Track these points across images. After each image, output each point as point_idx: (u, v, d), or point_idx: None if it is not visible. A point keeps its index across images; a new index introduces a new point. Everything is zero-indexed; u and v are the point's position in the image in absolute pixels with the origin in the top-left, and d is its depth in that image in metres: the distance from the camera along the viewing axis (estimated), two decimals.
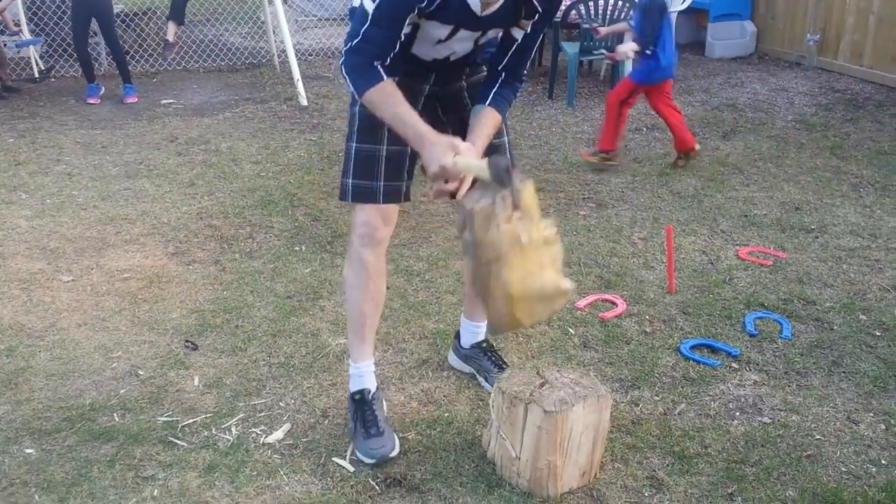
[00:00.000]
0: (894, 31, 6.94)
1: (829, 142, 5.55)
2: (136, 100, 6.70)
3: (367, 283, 2.45)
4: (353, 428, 2.51)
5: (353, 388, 2.57)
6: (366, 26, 2.12)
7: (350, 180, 2.40)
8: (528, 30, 2.29)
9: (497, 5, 2.21)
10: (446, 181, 2.12)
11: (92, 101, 6.63)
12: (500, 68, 2.35)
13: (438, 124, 2.35)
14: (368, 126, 2.37)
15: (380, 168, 2.39)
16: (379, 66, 2.16)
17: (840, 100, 6.68)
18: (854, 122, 6.01)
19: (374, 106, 2.18)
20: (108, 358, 2.99)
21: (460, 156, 2.08)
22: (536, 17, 2.25)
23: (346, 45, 2.18)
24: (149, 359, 2.99)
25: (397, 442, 2.48)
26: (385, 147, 2.39)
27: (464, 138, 2.23)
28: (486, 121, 2.29)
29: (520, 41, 2.31)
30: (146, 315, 3.29)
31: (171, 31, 7.86)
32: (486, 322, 2.83)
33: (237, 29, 9.33)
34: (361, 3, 2.15)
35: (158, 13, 8.66)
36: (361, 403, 2.53)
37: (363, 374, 2.57)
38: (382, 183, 2.39)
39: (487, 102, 2.31)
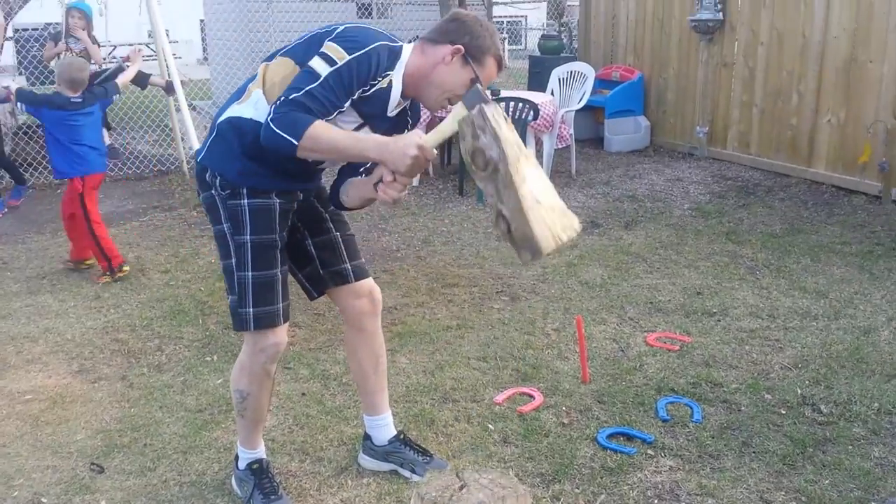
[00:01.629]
0: (776, 121, 7.46)
1: (725, 227, 5.85)
2: (18, 204, 6.73)
3: (268, 387, 2.63)
4: (247, 496, 2.66)
5: (249, 459, 2.71)
6: (313, 85, 2.18)
7: (250, 310, 2.45)
8: None
9: (399, 109, 2.43)
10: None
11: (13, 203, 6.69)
12: (360, 170, 2.50)
13: (297, 234, 2.62)
14: (262, 254, 2.44)
15: (278, 290, 2.48)
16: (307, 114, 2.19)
17: (732, 187, 7.07)
18: (746, 208, 6.37)
19: (318, 139, 2.16)
20: (9, 486, 2.83)
21: (426, 135, 2.18)
22: (405, 130, 2.49)
23: (278, 100, 2.19)
24: (52, 485, 2.83)
25: None
26: (279, 269, 2.48)
27: (327, 255, 2.63)
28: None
29: None
30: (49, 438, 3.14)
31: (105, 136, 7.83)
32: (389, 413, 2.91)
33: (144, 136, 9.29)
34: (307, 66, 2.22)
35: None
36: (260, 472, 2.68)
37: (257, 450, 2.73)
38: (282, 304, 2.50)
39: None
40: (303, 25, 9.75)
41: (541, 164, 7.28)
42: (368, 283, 2.72)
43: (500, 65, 2.37)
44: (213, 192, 2.44)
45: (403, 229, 5.94)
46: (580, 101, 7.63)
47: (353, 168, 2.53)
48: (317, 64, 2.21)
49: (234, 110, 2.40)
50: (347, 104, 2.27)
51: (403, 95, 2.39)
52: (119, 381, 3.62)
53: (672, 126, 8.77)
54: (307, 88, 2.18)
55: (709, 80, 8.19)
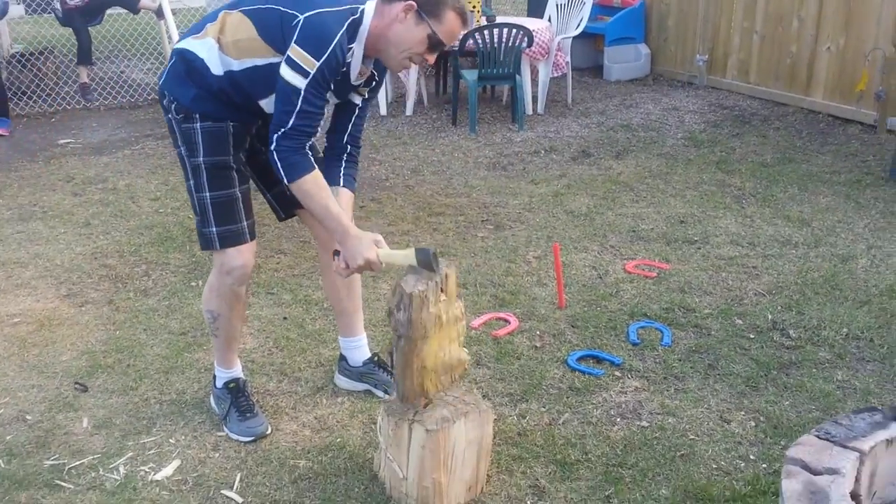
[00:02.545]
0: (776, 48, 7.35)
1: (716, 157, 5.83)
2: (8, 133, 6.74)
3: (238, 308, 2.67)
4: (224, 413, 2.76)
5: (226, 378, 2.81)
6: (299, 105, 2.26)
7: (213, 229, 2.51)
8: (366, 96, 2.55)
9: (364, 77, 2.49)
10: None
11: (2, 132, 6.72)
12: (344, 140, 2.54)
13: (261, 155, 2.62)
14: (217, 174, 2.49)
15: (239, 209, 2.53)
16: (309, 152, 2.33)
17: (728, 116, 7.02)
18: (740, 137, 6.33)
19: (306, 194, 2.34)
20: None
21: (382, 249, 2.35)
22: (374, 83, 2.54)
23: (277, 131, 2.29)
24: (37, 403, 2.94)
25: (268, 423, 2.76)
26: (238, 188, 2.53)
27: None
28: (347, 204, 2.52)
29: (360, 106, 2.55)
30: (35, 359, 3.24)
31: (84, 73, 7.83)
32: (364, 336, 3.00)
33: (139, 65, 9.23)
34: (282, 77, 2.26)
35: (56, 52, 8.52)
36: (237, 391, 2.78)
37: (233, 370, 2.82)
38: (245, 222, 2.55)
39: (342, 184, 2.52)
40: None
41: (536, 92, 7.25)
42: None
43: (463, 18, 2.34)
44: (169, 115, 2.47)
45: (394, 159, 5.95)
46: (577, 27, 7.51)
47: (337, 149, 2.56)
48: (290, 76, 2.25)
49: (189, 43, 2.43)
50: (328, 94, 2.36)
51: (365, 58, 2.40)
52: (105, 304, 3.70)
53: (672, 54, 8.64)
54: (297, 109, 2.26)
55: (710, 5, 8.04)
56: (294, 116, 2.27)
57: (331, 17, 2.27)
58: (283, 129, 2.28)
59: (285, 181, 2.33)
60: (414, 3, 2.28)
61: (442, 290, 2.26)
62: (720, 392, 2.93)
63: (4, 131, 6.75)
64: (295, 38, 2.24)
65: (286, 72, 2.25)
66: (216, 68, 2.38)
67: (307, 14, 2.26)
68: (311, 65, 2.23)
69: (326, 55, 2.24)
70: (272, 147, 2.31)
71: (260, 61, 2.34)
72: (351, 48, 2.32)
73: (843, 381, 2.99)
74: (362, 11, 2.33)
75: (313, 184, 2.34)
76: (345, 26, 2.27)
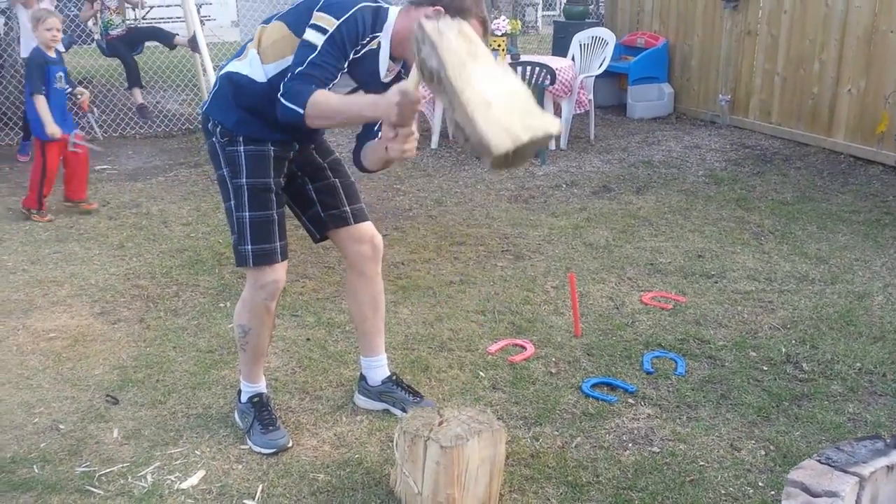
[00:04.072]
0: (798, 90, 7.44)
1: (736, 194, 5.90)
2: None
3: (268, 323, 2.78)
4: (248, 426, 2.86)
5: (251, 392, 2.90)
6: (313, 55, 2.36)
7: (249, 247, 2.64)
8: None
9: (393, 74, 2.56)
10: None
11: (23, 158, 6.90)
12: (376, 128, 2.62)
13: (297, 180, 2.80)
14: (258, 195, 2.62)
15: (274, 230, 2.66)
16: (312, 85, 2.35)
17: (749, 155, 7.10)
18: (760, 176, 6.40)
19: (319, 106, 2.31)
20: (31, 414, 3.06)
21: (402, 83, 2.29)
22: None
23: (287, 77, 2.38)
24: (70, 413, 3.06)
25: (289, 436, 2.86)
26: (275, 211, 2.65)
27: (327, 199, 2.82)
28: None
29: None
30: (69, 372, 3.37)
31: (138, 95, 8.10)
32: (384, 356, 3.08)
33: (175, 96, 9.51)
34: (304, 39, 2.40)
35: (94, 82, 8.81)
36: (260, 405, 2.89)
37: (258, 384, 2.94)
38: (279, 243, 2.67)
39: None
40: None
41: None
42: (369, 229, 2.89)
43: (484, 27, 2.46)
44: (213, 139, 2.62)
45: (418, 190, 6.09)
46: (600, 66, 7.66)
47: (368, 132, 2.68)
48: (311, 35, 2.38)
49: (233, 66, 2.59)
50: (346, 66, 2.44)
51: (392, 57, 2.53)
52: (137, 322, 3.84)
53: (695, 94, 8.76)
54: (309, 59, 2.36)
55: (732, 47, 8.16)
56: (305, 65, 2.35)
57: None
58: (289, 75, 2.37)
59: (300, 112, 2.32)
60: (442, 8, 2.39)
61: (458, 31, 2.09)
62: (731, 421, 2.98)
63: (25, 157, 6.99)
64: (319, 7, 2.39)
65: (308, 33, 2.38)
66: (260, 77, 2.53)
67: None
68: (331, 24, 2.36)
69: (346, 17, 2.36)
70: (279, 94, 2.36)
71: (291, 58, 2.44)
72: (377, 38, 2.44)
73: (854, 414, 3.03)
74: (387, 9, 2.48)
75: (323, 95, 2.33)
76: (368, 5, 2.41)
